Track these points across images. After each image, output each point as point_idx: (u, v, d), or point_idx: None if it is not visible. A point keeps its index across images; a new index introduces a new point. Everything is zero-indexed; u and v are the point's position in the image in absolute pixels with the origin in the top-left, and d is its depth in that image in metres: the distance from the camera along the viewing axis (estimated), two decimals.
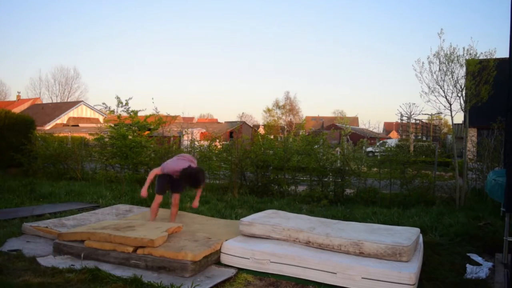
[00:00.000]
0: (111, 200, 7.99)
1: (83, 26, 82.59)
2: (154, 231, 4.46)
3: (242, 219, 4.94)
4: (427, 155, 18.70)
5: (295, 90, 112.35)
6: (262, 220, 4.86)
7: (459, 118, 27.67)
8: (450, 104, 7.61)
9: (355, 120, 62.77)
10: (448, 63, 7.45)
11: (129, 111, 10.71)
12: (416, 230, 4.59)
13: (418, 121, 31.45)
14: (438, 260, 4.61)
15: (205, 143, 10.88)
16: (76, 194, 8.66)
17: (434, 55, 7.60)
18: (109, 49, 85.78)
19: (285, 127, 44.53)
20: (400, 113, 29.97)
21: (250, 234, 4.73)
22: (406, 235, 4.28)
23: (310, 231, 4.48)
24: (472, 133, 15.92)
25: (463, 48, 7.47)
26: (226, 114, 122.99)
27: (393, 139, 34.67)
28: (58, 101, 49.78)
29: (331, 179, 8.83)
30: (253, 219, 4.91)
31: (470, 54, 7.41)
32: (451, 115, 7.70)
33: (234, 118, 62.59)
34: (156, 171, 5.35)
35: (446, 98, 7.60)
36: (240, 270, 4.24)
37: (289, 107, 48.76)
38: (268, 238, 4.62)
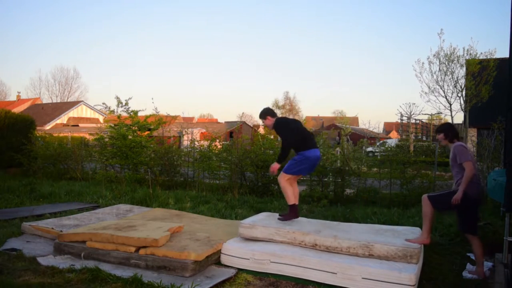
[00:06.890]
0: (111, 200, 8.00)
1: (83, 26, 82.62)
2: (157, 231, 4.47)
3: (242, 221, 4.72)
4: (427, 155, 18.67)
5: (295, 90, 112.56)
6: (264, 222, 4.68)
7: (459, 118, 27.71)
8: (450, 104, 7.64)
9: (355, 120, 62.69)
10: (448, 63, 7.48)
11: (129, 111, 10.72)
12: (418, 230, 4.59)
13: (418, 121, 31.46)
14: (438, 260, 4.62)
15: (205, 143, 10.86)
16: (76, 194, 8.67)
17: (434, 55, 7.68)
18: (109, 49, 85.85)
19: None
20: (400, 113, 29.99)
21: (251, 238, 4.53)
22: (412, 236, 4.27)
23: (317, 233, 4.32)
24: (472, 133, 15.86)
25: (463, 48, 7.55)
26: (226, 114, 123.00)
27: (393, 139, 34.65)
28: (58, 101, 49.75)
29: (331, 179, 8.81)
30: (254, 221, 4.71)
31: (470, 54, 7.44)
32: (451, 115, 7.74)
33: (234, 118, 62.50)
34: None
35: (446, 98, 7.64)
36: (240, 270, 4.23)
37: (289, 107, 48.81)
38: (271, 241, 4.47)
